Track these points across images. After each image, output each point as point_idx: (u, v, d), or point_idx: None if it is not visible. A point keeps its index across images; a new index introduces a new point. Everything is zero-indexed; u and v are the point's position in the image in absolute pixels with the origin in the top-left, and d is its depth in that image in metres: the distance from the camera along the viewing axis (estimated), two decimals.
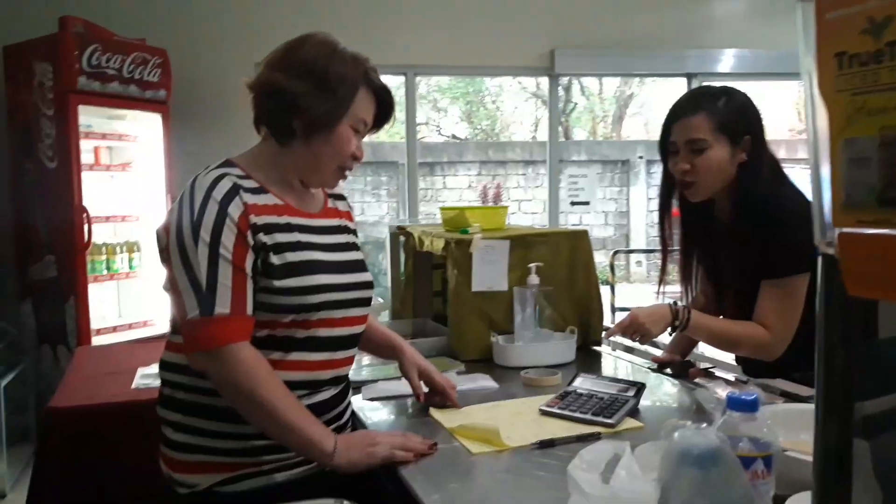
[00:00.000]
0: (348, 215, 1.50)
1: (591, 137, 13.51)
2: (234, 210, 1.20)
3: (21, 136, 3.68)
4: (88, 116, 3.71)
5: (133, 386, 2.38)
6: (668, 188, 1.75)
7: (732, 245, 1.68)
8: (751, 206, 1.61)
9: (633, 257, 9.48)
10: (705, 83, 4.85)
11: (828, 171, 0.64)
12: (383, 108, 1.35)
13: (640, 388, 1.57)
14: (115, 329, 3.77)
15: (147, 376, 2.48)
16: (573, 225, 8.06)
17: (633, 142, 11.17)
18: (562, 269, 2.02)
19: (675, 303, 1.72)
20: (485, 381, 1.75)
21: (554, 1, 4.53)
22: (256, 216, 1.23)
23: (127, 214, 4.03)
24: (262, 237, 1.22)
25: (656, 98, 13.52)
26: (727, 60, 4.76)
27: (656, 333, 1.73)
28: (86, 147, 3.74)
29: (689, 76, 4.79)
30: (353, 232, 1.49)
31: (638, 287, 8.59)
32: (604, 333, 2.03)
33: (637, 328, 1.71)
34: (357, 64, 1.29)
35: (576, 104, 14.27)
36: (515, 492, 1.14)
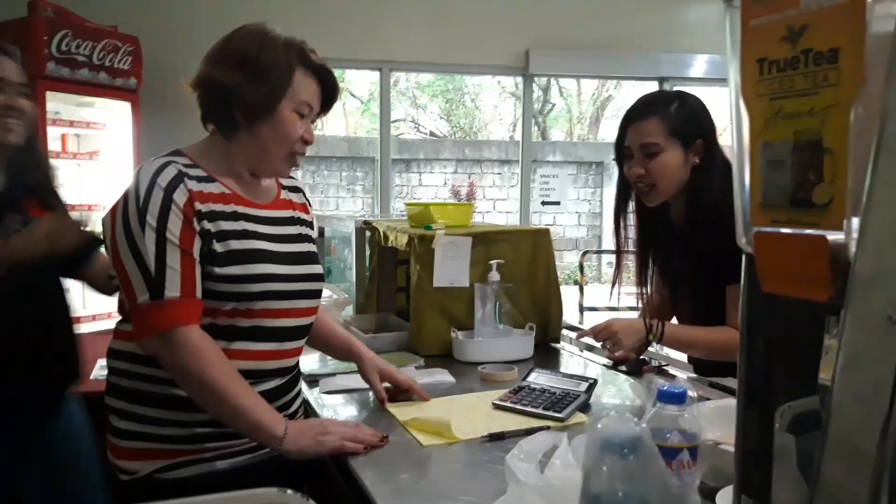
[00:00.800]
0: (303, 207, 1.49)
1: (568, 139, 13.61)
2: (180, 196, 1.21)
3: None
4: (56, 103, 3.66)
5: (92, 377, 2.37)
6: (625, 191, 1.78)
7: (686, 248, 1.71)
8: (703, 209, 1.64)
9: (605, 258, 9.57)
10: (675, 88, 4.92)
11: (748, 173, 0.67)
12: (327, 89, 1.35)
13: (591, 383, 1.60)
14: (78, 320, 3.71)
15: (105, 367, 2.46)
16: (546, 225, 8.10)
17: (609, 144, 11.23)
18: (523, 267, 2.04)
19: (648, 318, 1.72)
20: (442, 376, 1.77)
21: (530, 1, 4.55)
22: (202, 203, 1.23)
23: (94, 203, 3.98)
24: (207, 224, 1.22)
25: (633, 101, 13.66)
26: (700, 65, 4.83)
27: (627, 346, 1.77)
28: (53, 134, 3.69)
29: (662, 80, 4.84)
30: (308, 224, 1.48)
31: (608, 288, 8.65)
32: (574, 333, 2.05)
33: (610, 335, 1.75)
34: (289, 47, 1.29)
35: (553, 105, 14.37)
36: (463, 483, 1.16)
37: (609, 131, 14.06)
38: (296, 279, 1.34)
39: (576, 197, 9.94)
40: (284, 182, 1.47)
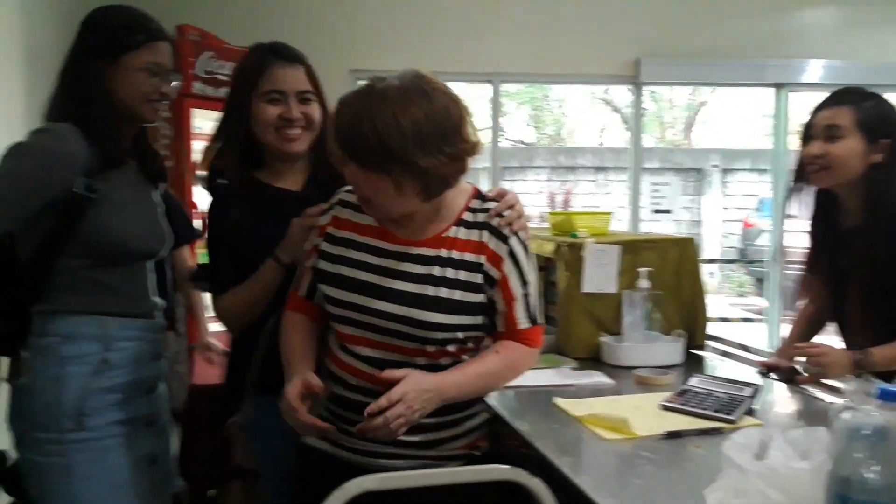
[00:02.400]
0: (477, 248, 1.32)
1: (660, 144, 13.37)
2: (324, 220, 1.42)
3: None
4: (198, 119, 3.96)
5: None
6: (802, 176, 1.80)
7: (860, 249, 1.72)
8: (885, 209, 1.66)
9: (707, 268, 9.37)
10: (792, 93, 4.82)
11: None
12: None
13: (756, 388, 1.64)
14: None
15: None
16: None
17: (707, 150, 11.03)
18: (668, 275, 2.10)
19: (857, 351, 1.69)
20: (599, 378, 1.85)
21: (640, 10, 4.57)
22: (337, 229, 1.39)
23: None
24: (326, 245, 1.39)
25: (730, 107, 13.29)
26: (817, 71, 4.72)
27: (831, 377, 1.72)
28: (196, 147, 3.99)
29: (778, 86, 4.76)
30: (471, 267, 1.31)
31: (710, 298, 8.46)
32: (720, 344, 2.08)
33: (821, 363, 1.69)
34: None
35: (646, 110, 14.14)
36: (669, 474, 1.24)
37: (704, 137, 13.73)
38: (382, 315, 1.30)
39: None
40: (469, 217, 1.34)
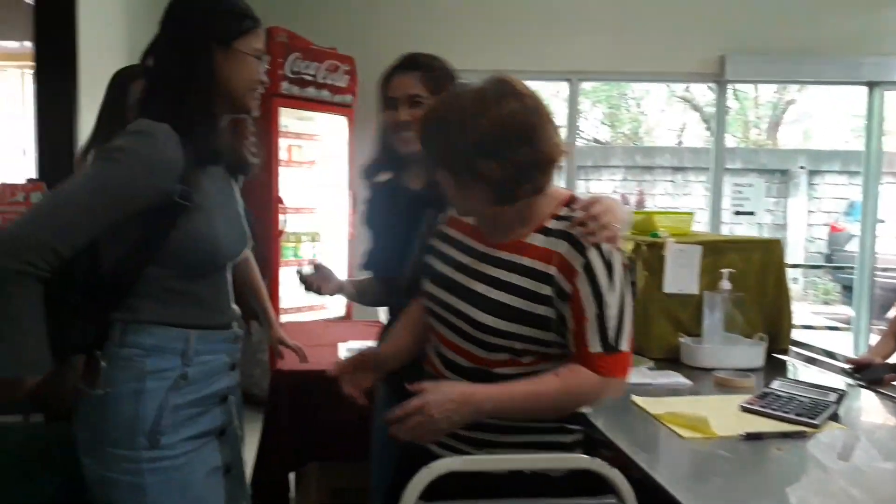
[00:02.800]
0: (558, 261, 1.24)
1: (743, 144, 12.93)
2: (442, 218, 1.45)
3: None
4: (284, 118, 4.12)
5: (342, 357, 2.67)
6: None
7: None
8: None
9: (790, 273, 9.02)
10: (888, 92, 4.60)
11: None
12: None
13: (841, 394, 1.61)
14: (299, 309, 4.15)
15: (351, 350, 2.76)
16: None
17: (794, 151, 10.61)
18: (752, 277, 2.07)
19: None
20: (677, 378, 1.85)
21: (724, 5, 4.46)
22: (448, 227, 1.41)
23: (311, 207, 4.42)
24: (434, 241, 1.43)
25: (819, 106, 12.73)
26: None
27: None
28: (282, 145, 4.15)
29: (871, 84, 4.56)
30: (543, 278, 1.24)
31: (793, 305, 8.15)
32: (802, 349, 2.03)
33: None
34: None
35: (729, 108, 13.69)
36: (750, 476, 1.24)
37: (791, 137, 13.20)
38: (451, 311, 1.32)
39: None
40: (552, 225, 1.27)
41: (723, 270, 1.99)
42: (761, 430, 1.43)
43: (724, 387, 1.80)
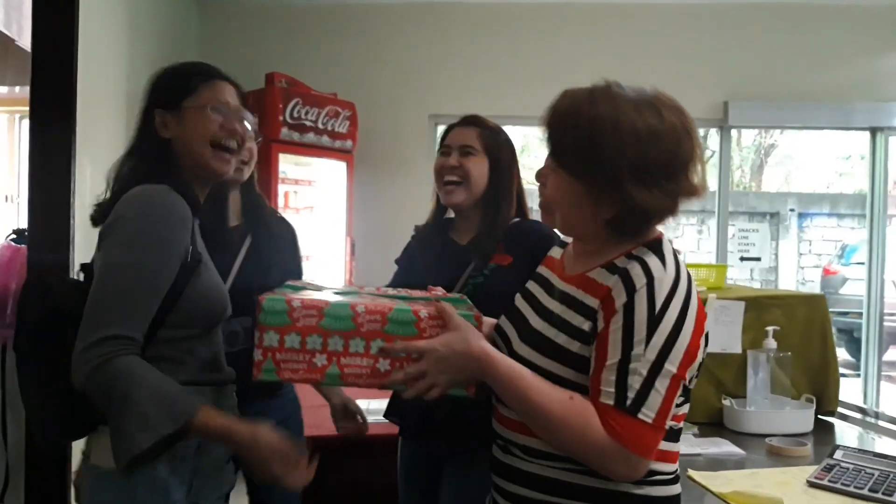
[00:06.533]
0: (604, 295, 1.08)
1: (730, 188, 13.02)
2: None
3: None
4: (282, 164, 4.02)
5: None
6: None
7: None
8: None
9: None
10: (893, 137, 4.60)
11: None
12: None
13: None
14: None
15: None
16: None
17: (784, 194, 10.67)
18: (796, 334, 1.96)
19: None
20: (728, 447, 1.72)
21: (728, 52, 4.46)
22: (541, 266, 1.29)
23: (307, 255, 4.28)
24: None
25: (801, 149, 12.91)
26: None
27: None
28: (280, 191, 4.04)
29: (874, 130, 4.55)
30: (586, 313, 1.10)
31: None
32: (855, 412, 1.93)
33: None
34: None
35: (714, 152, 13.86)
36: None
37: (774, 181, 13.33)
38: (501, 335, 1.25)
39: None
40: (620, 263, 1.09)
41: (768, 328, 1.88)
42: None
43: (778, 456, 1.68)
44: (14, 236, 2.84)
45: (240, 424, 1.20)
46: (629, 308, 1.03)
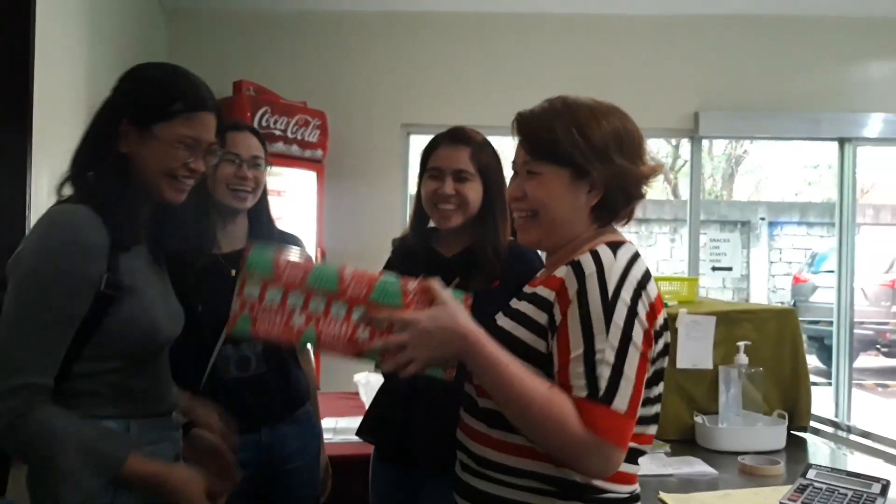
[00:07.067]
0: (551, 281, 1.12)
1: (701, 197, 13.15)
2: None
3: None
4: None
5: None
6: None
7: None
8: None
9: None
10: (861, 148, 4.66)
11: None
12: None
13: (885, 484, 1.47)
14: None
15: (326, 430, 2.53)
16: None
17: (754, 202, 10.80)
18: (767, 348, 1.95)
19: None
20: (701, 467, 1.69)
21: (699, 63, 4.48)
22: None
23: None
24: None
25: (770, 158, 13.10)
26: (876, 125, 4.55)
27: None
28: None
29: (842, 140, 4.60)
30: (539, 302, 1.12)
31: None
32: (828, 426, 1.92)
33: None
34: None
35: (686, 161, 13.99)
36: None
37: (745, 189, 13.50)
38: None
39: None
40: (581, 258, 1.09)
41: (739, 343, 1.86)
42: None
43: (751, 475, 1.65)
44: None
45: (171, 470, 1.17)
46: (582, 295, 1.05)
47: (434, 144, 1.67)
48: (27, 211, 2.49)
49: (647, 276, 1.11)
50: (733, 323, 1.93)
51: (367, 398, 2.46)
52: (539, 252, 1.51)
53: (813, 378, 2.05)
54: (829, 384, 4.83)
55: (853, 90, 4.52)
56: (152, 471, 1.14)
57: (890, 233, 9.68)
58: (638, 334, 1.04)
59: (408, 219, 1.79)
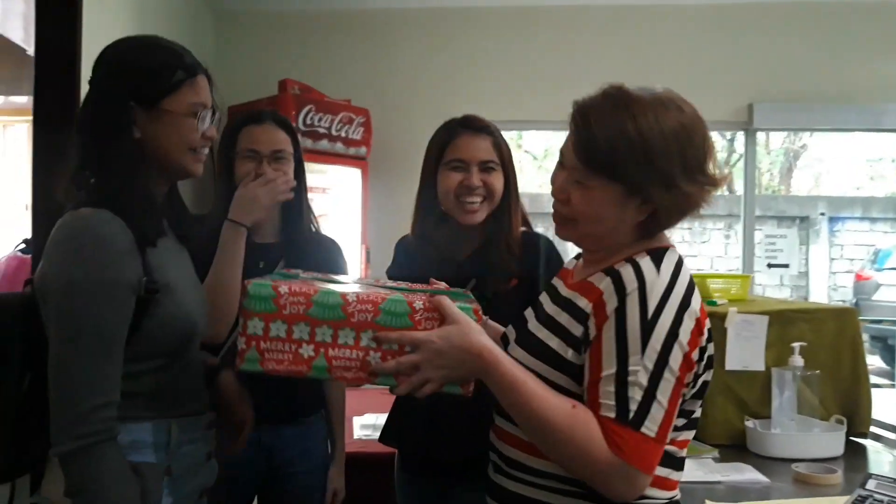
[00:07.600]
0: (595, 296, 1.05)
1: (756, 191, 12.77)
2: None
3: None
4: None
5: (355, 437, 2.43)
6: None
7: None
8: None
9: None
10: None
11: None
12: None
13: None
14: None
15: (366, 427, 2.52)
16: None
17: (814, 197, 10.42)
18: (824, 350, 1.85)
19: None
20: (751, 474, 1.61)
21: (753, 53, 4.32)
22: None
23: None
24: None
25: (831, 152, 12.62)
26: None
27: None
28: None
29: None
30: (578, 315, 1.07)
31: None
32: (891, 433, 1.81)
33: None
34: None
35: (740, 155, 13.62)
36: None
37: (804, 184, 13.05)
38: (504, 340, 1.22)
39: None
40: (617, 267, 1.06)
41: (794, 344, 1.76)
42: None
43: (806, 484, 1.56)
44: (24, 246, 2.82)
45: None
46: (621, 314, 1.00)
47: (450, 134, 1.58)
48: None
49: (690, 288, 1.05)
50: (788, 322, 1.83)
51: None
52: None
53: (875, 380, 1.94)
54: (893, 386, 4.61)
55: None
56: None
57: None
58: (676, 359, 0.98)
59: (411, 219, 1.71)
